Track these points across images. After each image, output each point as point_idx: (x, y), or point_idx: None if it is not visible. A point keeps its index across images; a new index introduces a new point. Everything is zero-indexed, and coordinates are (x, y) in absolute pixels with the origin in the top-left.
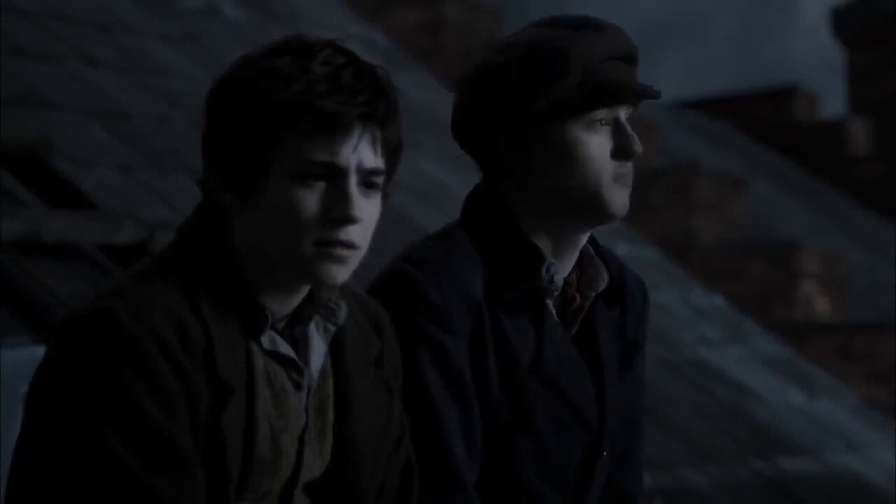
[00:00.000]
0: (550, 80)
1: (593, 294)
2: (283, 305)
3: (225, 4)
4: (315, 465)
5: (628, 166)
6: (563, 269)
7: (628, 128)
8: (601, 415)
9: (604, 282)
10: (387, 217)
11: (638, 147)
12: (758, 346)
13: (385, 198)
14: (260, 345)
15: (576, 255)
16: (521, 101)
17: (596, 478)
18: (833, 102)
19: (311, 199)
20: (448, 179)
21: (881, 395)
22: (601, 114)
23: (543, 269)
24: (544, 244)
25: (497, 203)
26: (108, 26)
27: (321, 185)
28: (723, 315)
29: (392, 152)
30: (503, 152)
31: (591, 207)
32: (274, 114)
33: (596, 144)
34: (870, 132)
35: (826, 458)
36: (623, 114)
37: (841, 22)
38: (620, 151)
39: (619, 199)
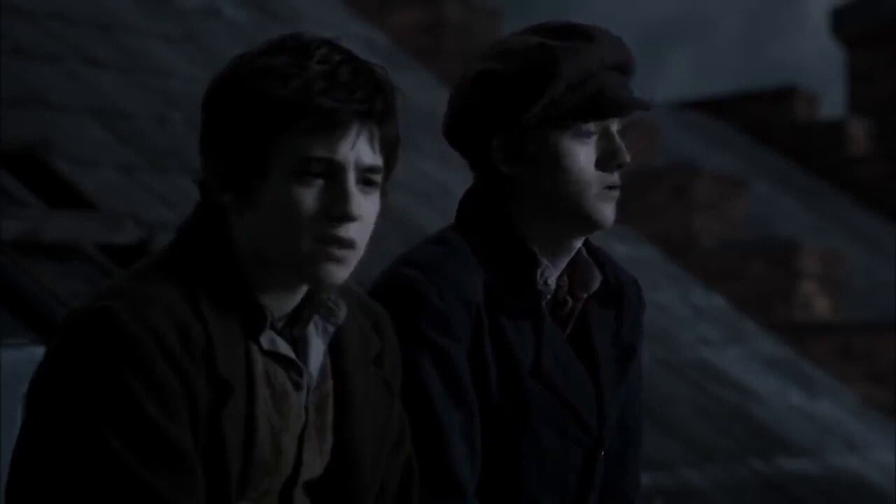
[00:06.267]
0: (543, 89)
1: (585, 295)
2: (282, 305)
3: (225, 4)
4: (315, 464)
5: (615, 177)
6: (555, 271)
7: (617, 139)
8: (600, 416)
9: (596, 283)
10: (387, 217)
11: (625, 158)
12: (758, 346)
13: (384, 196)
14: (259, 345)
15: (569, 258)
16: (515, 109)
17: (595, 480)
18: (833, 102)
19: (310, 197)
20: (448, 180)
21: (881, 395)
22: (591, 125)
23: (538, 273)
24: (538, 247)
25: (492, 206)
26: (108, 26)
27: (320, 182)
28: (723, 315)
29: (390, 150)
30: (498, 158)
31: (577, 217)
32: (272, 112)
33: (584, 155)
34: (870, 132)
35: (826, 459)
36: (615, 125)
37: (841, 22)
38: (607, 162)
39: (604, 210)
